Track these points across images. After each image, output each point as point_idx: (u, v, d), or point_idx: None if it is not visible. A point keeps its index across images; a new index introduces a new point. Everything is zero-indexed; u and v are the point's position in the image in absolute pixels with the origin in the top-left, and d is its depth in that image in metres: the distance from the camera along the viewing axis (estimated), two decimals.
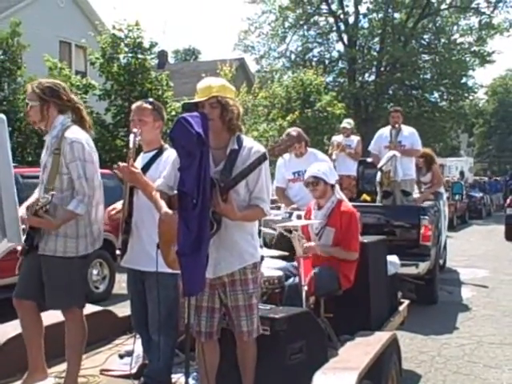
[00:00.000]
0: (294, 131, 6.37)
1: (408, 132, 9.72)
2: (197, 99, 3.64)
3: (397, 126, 9.64)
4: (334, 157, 10.58)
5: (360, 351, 4.32)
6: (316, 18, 38.41)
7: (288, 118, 24.21)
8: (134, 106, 4.54)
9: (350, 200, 9.59)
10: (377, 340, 4.64)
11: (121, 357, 4.98)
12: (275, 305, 4.72)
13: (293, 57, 38.76)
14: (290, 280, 5.10)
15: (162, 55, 41.53)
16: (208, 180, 3.47)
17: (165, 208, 3.69)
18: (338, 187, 5.45)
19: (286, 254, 5.26)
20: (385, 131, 9.91)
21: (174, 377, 4.35)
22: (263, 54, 38.86)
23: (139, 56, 18.10)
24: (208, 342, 3.84)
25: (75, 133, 4.24)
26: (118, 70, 18.16)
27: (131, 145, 4.16)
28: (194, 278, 3.46)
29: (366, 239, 5.75)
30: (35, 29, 23.71)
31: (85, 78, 19.20)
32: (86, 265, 4.39)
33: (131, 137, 4.21)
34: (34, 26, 23.82)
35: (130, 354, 4.75)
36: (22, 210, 4.14)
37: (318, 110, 26.68)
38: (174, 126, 3.43)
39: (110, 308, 5.86)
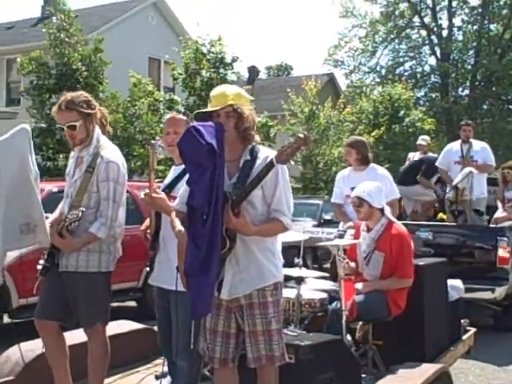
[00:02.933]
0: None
1: (480, 147, 9.14)
2: (211, 108, 3.41)
3: (468, 140, 9.08)
4: None
5: None
6: (408, 31, 37.61)
7: (373, 133, 23.66)
8: (167, 118, 4.38)
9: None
10: (421, 373, 4.25)
11: (157, 378, 4.79)
12: (318, 330, 4.43)
13: (383, 71, 38.05)
14: (334, 304, 4.76)
15: (253, 71, 41.88)
16: (221, 194, 3.24)
17: (179, 226, 3.48)
18: (388, 209, 5.07)
19: (327, 274, 4.93)
20: (454, 145, 9.35)
21: None
22: (353, 69, 38.38)
23: (221, 71, 18.15)
24: (223, 369, 3.56)
25: (112, 153, 4.13)
26: (200, 85, 18.31)
27: (151, 163, 3.99)
28: (201, 299, 3.23)
29: (422, 262, 5.34)
30: (126, 45, 24.48)
31: (169, 93, 19.45)
32: (109, 281, 4.24)
33: (150, 153, 4.04)
34: (124, 42, 24.60)
35: (165, 375, 4.56)
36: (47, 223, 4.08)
37: (407, 126, 25.96)
38: (183, 136, 3.23)
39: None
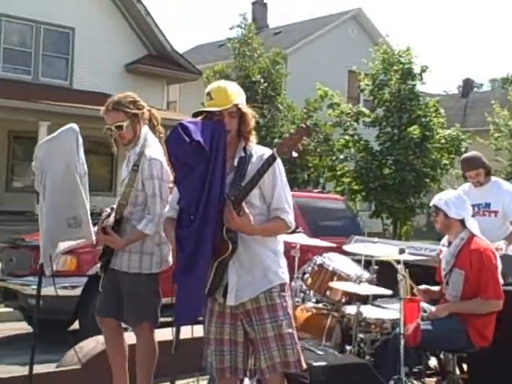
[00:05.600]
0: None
1: None
2: (214, 107, 3.22)
3: None
4: None
5: None
6: None
7: None
8: None
9: None
10: None
11: None
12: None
13: None
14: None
15: (467, 83, 40.12)
16: (215, 195, 3.08)
17: (171, 232, 3.32)
18: (474, 224, 4.47)
19: (390, 292, 4.46)
20: None
21: None
22: None
23: (408, 82, 17.54)
24: (230, 379, 3.36)
25: (156, 151, 4.15)
26: (388, 97, 17.86)
27: None
28: (184, 303, 3.09)
29: None
30: (325, 59, 24.74)
31: (356, 105, 19.25)
32: (155, 282, 4.23)
33: None
34: (324, 56, 24.88)
35: None
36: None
37: None
38: (170, 133, 3.12)
39: None
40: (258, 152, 3.27)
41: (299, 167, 16.65)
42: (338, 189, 17.93)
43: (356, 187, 17.92)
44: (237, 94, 3.29)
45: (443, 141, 17.62)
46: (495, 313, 4.28)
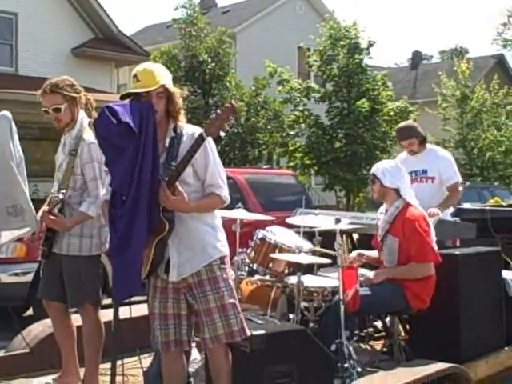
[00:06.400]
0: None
1: None
2: (141, 89, 3.26)
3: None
4: None
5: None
6: None
7: None
8: None
9: None
10: (419, 371, 3.84)
11: None
12: None
13: None
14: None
15: (416, 56, 40.61)
16: (146, 176, 3.15)
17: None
18: (410, 192, 4.61)
19: (329, 261, 4.61)
20: None
21: None
22: None
23: (356, 56, 17.74)
24: (176, 353, 3.46)
25: (93, 134, 4.17)
26: (337, 72, 18.03)
27: None
28: (120, 283, 3.17)
29: (458, 251, 4.83)
30: (275, 36, 24.77)
31: (306, 81, 19.39)
32: (95, 264, 4.29)
33: None
34: (273, 33, 24.90)
35: None
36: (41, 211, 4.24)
37: None
38: (98, 116, 3.16)
39: None
40: (189, 131, 3.32)
41: (249, 144, 16.75)
42: (291, 164, 18.12)
43: (308, 162, 18.14)
44: (163, 75, 3.33)
45: (392, 113, 17.95)
46: (432, 276, 4.45)
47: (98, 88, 15.49)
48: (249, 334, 3.39)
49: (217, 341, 3.33)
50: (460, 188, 5.80)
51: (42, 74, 16.04)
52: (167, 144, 3.30)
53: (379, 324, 5.05)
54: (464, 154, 22.95)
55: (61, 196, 4.10)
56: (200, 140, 3.17)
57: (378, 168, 4.63)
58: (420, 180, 5.72)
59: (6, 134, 4.02)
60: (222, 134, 3.19)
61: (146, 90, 3.24)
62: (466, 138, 22.80)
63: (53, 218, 4.11)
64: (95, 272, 4.26)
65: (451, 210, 5.89)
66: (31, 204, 4.14)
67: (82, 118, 4.24)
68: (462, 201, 14.05)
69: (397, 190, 4.56)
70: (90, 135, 4.13)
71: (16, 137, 4.11)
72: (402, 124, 6.15)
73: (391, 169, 4.61)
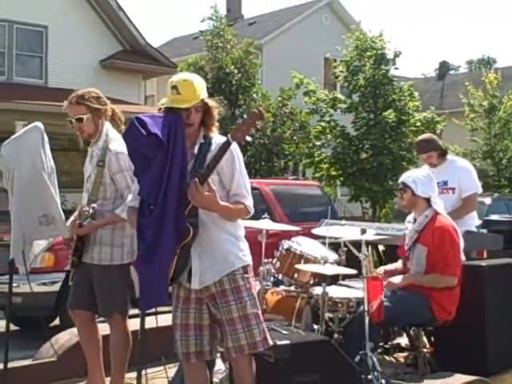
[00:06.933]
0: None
1: None
2: (182, 104, 3.25)
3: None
4: None
5: None
6: None
7: None
8: None
9: None
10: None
11: None
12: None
13: None
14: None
15: (443, 66, 40.32)
16: (174, 184, 3.18)
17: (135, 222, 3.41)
18: (439, 202, 4.61)
19: (354, 271, 4.60)
20: None
21: None
22: None
23: (382, 67, 17.71)
24: (197, 364, 3.48)
25: (120, 144, 4.23)
26: (363, 82, 18.02)
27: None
28: (147, 292, 3.20)
29: (485, 262, 4.80)
30: (300, 47, 24.81)
31: (332, 92, 19.39)
32: (126, 272, 4.34)
33: None
34: (299, 45, 24.95)
35: None
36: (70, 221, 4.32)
37: None
38: (128, 127, 3.22)
39: None
40: (217, 140, 3.34)
41: (275, 155, 16.81)
42: (317, 175, 18.10)
43: (334, 173, 18.12)
44: (202, 88, 3.35)
45: (418, 124, 17.86)
46: (457, 288, 4.43)
47: (125, 99, 15.68)
48: (271, 343, 3.39)
49: (240, 351, 3.33)
50: (476, 199, 5.74)
51: (71, 86, 16.25)
52: (196, 151, 3.33)
53: (404, 340, 5.02)
54: (492, 164, 22.75)
55: (91, 210, 4.17)
56: (226, 144, 3.17)
57: (408, 177, 4.63)
58: (441, 191, 5.70)
59: (38, 145, 4.11)
60: (249, 139, 3.20)
61: (188, 105, 3.26)
62: (493, 149, 22.59)
63: (81, 229, 4.20)
64: (125, 281, 4.28)
65: (477, 221, 5.86)
66: (62, 213, 4.21)
67: (108, 129, 4.31)
68: (490, 212, 13.96)
69: (427, 200, 4.57)
70: (116, 145, 4.20)
71: (47, 147, 4.20)
72: (421, 137, 6.13)
73: (423, 178, 4.62)
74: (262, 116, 3.17)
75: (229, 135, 3.18)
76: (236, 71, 16.70)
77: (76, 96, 4.26)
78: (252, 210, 3.41)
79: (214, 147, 3.31)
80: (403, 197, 4.66)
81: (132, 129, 3.19)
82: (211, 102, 3.37)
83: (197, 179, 3.15)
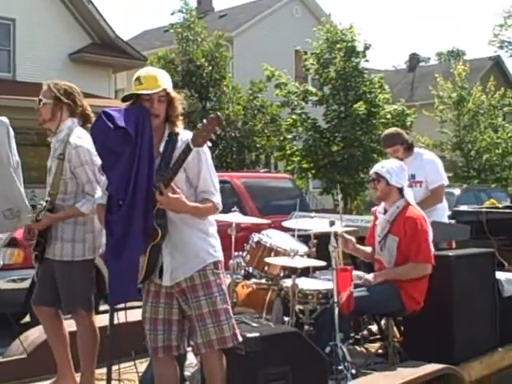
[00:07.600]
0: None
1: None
2: (143, 91, 3.28)
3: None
4: None
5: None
6: None
7: None
8: None
9: None
10: (413, 372, 3.87)
11: None
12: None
13: None
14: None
15: (413, 58, 40.61)
16: (142, 179, 3.18)
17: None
18: (410, 192, 4.66)
19: (324, 263, 4.64)
20: None
21: None
22: None
23: (352, 59, 17.80)
24: (166, 358, 3.48)
25: (80, 137, 4.20)
26: (334, 75, 18.09)
27: None
28: (116, 285, 3.20)
29: (452, 252, 4.87)
30: (271, 40, 24.82)
31: (304, 84, 19.44)
32: (88, 268, 4.31)
33: None
34: (269, 37, 24.95)
35: None
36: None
37: None
38: (95, 122, 3.21)
39: None
40: (183, 137, 3.33)
41: (247, 148, 16.81)
42: (289, 168, 18.15)
43: (306, 165, 18.18)
44: (165, 80, 3.36)
45: (389, 116, 17.98)
46: (426, 277, 4.49)
47: (95, 93, 15.53)
48: (241, 339, 3.40)
49: (209, 346, 3.34)
50: (443, 191, 5.80)
51: (40, 80, 16.05)
52: (161, 149, 3.32)
53: (374, 327, 5.09)
54: (461, 156, 23.04)
55: (44, 203, 4.14)
56: (187, 150, 3.17)
57: (382, 167, 4.65)
58: (409, 185, 5.75)
59: (3, 139, 4.08)
60: (209, 144, 3.22)
61: (149, 92, 3.27)
62: (462, 141, 22.87)
63: (39, 223, 4.16)
64: (88, 277, 4.28)
65: (447, 212, 5.93)
66: (28, 204, 4.22)
67: (72, 124, 4.26)
68: (460, 203, 14.15)
69: (400, 190, 4.60)
70: (76, 139, 4.16)
71: (13, 141, 4.17)
72: (387, 131, 6.16)
73: (396, 168, 4.65)
74: (220, 121, 3.18)
75: (189, 140, 3.16)
76: (206, 64, 16.69)
77: (53, 83, 4.26)
78: (220, 207, 3.41)
79: (180, 144, 3.30)
80: (377, 187, 4.66)
81: (99, 123, 3.17)
82: (174, 93, 3.37)
83: (161, 184, 3.15)
